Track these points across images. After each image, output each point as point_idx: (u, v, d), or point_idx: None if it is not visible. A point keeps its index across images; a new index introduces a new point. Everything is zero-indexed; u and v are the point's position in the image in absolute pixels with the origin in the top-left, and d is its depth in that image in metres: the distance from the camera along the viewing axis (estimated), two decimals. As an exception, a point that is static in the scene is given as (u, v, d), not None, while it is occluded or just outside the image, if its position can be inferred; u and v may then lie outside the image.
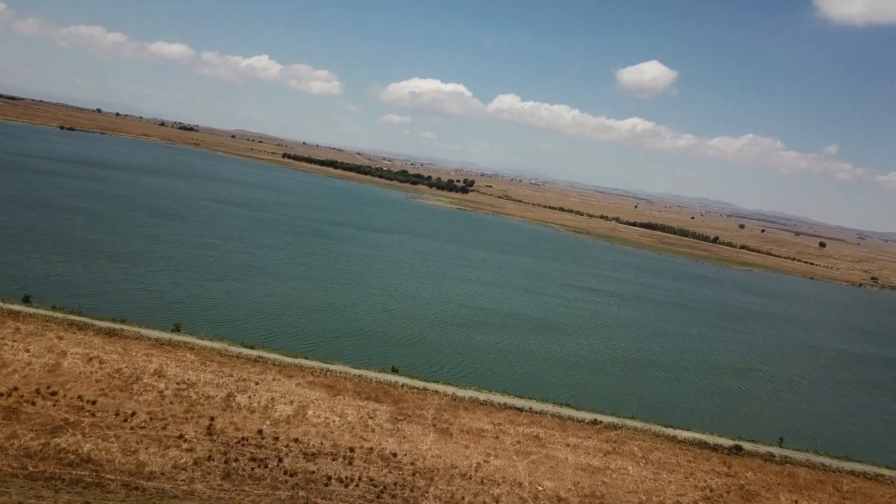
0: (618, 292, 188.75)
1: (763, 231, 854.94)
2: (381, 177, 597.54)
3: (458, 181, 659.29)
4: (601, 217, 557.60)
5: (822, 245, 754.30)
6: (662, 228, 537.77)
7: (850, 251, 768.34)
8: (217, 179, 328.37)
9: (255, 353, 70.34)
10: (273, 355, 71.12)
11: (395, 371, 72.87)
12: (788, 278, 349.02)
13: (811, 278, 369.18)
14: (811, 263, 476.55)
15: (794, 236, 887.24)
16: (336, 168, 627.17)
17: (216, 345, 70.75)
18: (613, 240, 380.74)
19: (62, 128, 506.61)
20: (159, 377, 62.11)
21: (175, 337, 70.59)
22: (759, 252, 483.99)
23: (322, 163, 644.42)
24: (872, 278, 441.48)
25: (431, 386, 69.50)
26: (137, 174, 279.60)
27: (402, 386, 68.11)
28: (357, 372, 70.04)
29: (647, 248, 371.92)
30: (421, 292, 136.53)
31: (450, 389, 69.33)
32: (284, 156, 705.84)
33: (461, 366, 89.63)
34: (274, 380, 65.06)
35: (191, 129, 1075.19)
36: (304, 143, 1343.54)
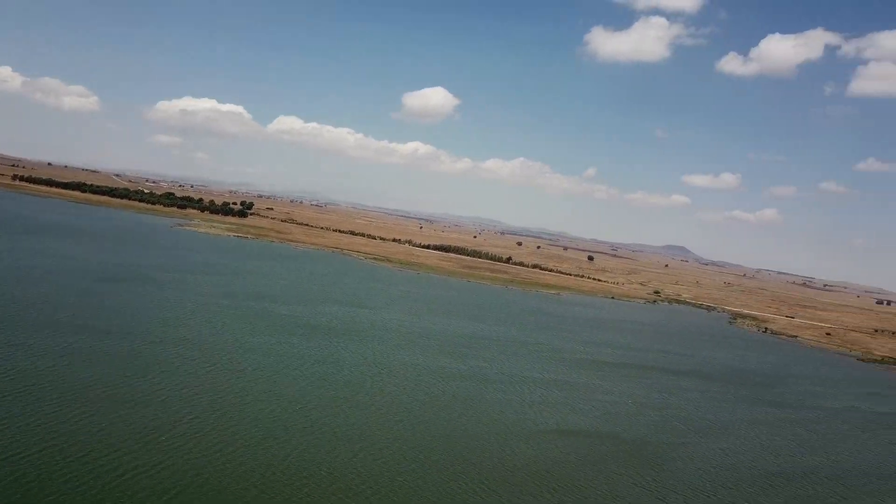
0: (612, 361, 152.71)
1: (539, 248, 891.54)
2: (141, 200, 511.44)
3: (235, 204, 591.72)
4: (394, 240, 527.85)
5: (591, 259, 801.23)
6: (456, 251, 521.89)
7: (615, 264, 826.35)
8: None
9: None
10: None
11: None
12: (597, 300, 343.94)
13: (612, 297, 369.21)
14: (599, 280, 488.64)
15: (564, 251, 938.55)
16: (84, 192, 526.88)
17: None
18: (416, 267, 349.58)
19: None
20: None
21: None
22: (551, 271, 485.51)
23: (66, 185, 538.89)
24: (655, 292, 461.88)
25: None
26: None
27: None
28: None
29: (453, 274, 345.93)
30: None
31: None
32: (15, 178, 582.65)
33: None
34: None
35: None
36: (49, 164, 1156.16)
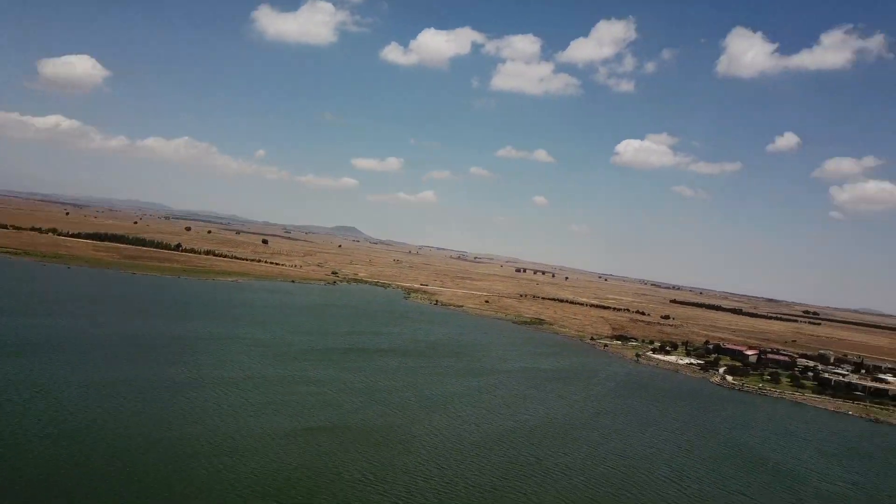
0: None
1: (210, 232, 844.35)
2: None
3: None
4: (34, 230, 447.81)
5: (265, 242, 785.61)
6: (114, 238, 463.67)
7: (291, 246, 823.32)
8: None
9: None
10: None
11: None
12: (278, 284, 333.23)
13: (293, 281, 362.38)
14: (277, 264, 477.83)
15: (237, 235, 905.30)
16: None
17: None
18: (67, 260, 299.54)
19: None
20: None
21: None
22: (227, 257, 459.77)
23: None
24: (334, 272, 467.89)
25: None
26: None
27: None
28: None
29: (113, 265, 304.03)
30: None
31: None
32: None
33: None
34: None
35: None
36: None
